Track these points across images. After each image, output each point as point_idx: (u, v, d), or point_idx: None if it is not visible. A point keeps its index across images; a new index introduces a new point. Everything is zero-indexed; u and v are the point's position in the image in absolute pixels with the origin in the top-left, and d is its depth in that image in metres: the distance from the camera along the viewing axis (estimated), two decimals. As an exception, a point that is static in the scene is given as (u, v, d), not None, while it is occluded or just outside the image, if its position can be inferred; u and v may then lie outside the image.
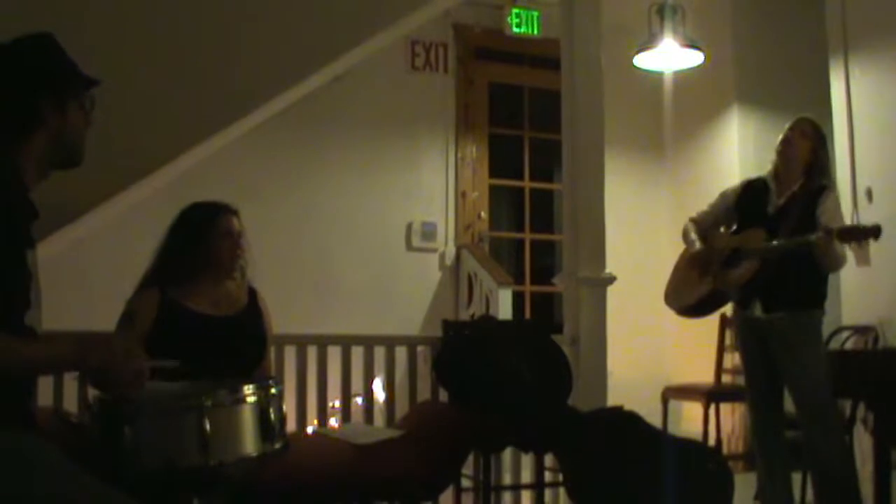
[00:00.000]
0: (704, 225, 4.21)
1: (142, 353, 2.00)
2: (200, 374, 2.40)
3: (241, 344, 3.09)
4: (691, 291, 4.11)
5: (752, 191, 4.11)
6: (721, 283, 3.97)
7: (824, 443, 3.79)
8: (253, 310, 3.18)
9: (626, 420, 3.44)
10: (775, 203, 3.98)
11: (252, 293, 3.21)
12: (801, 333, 3.86)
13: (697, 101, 6.59)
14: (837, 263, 3.83)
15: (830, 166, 4.01)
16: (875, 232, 3.59)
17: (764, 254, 3.85)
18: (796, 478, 4.15)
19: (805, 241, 3.69)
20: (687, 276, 4.16)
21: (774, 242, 3.83)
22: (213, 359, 2.82)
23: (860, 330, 4.86)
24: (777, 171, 4.04)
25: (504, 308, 5.79)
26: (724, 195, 4.23)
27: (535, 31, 6.73)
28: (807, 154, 3.95)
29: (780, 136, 4.03)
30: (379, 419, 4.37)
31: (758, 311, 3.94)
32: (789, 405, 3.98)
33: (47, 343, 1.95)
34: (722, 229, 4.21)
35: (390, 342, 4.17)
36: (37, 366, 1.92)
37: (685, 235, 4.24)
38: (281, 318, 3.35)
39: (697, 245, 4.13)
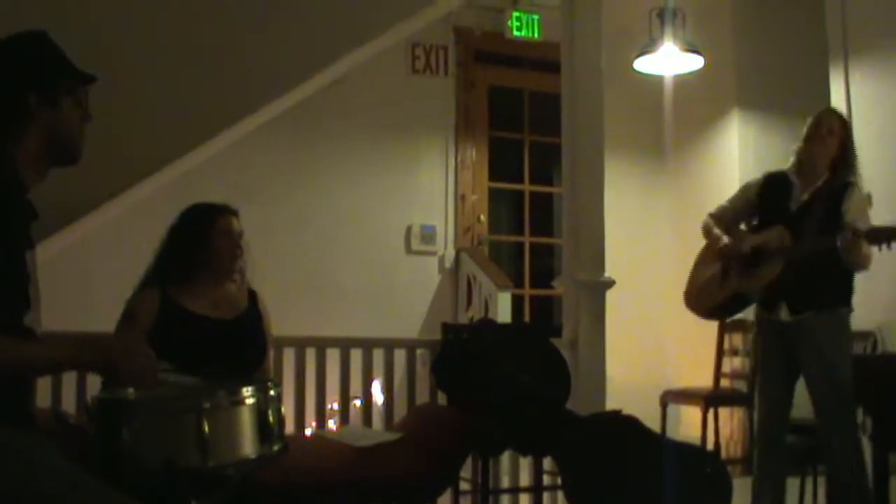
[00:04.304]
0: (725, 221, 4.10)
1: (146, 348, 2.01)
2: (199, 375, 2.39)
3: (241, 346, 3.09)
4: (714, 294, 4.02)
5: (774, 185, 3.99)
6: (744, 286, 3.89)
7: (841, 449, 3.72)
8: (253, 312, 3.18)
9: (624, 424, 3.44)
10: (798, 199, 3.87)
11: (252, 296, 3.21)
12: (828, 333, 3.76)
13: (697, 106, 6.59)
14: (865, 263, 3.70)
15: (856, 161, 3.88)
16: None
17: (788, 255, 3.75)
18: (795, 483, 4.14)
19: (831, 242, 3.60)
20: (709, 278, 4.06)
21: (796, 243, 3.74)
22: (212, 361, 2.82)
23: (859, 335, 4.86)
24: (801, 166, 3.92)
25: (503, 311, 5.79)
26: (745, 189, 4.12)
27: (536, 35, 6.73)
28: (834, 150, 3.85)
29: (806, 130, 3.90)
30: (377, 422, 4.36)
31: (784, 314, 3.83)
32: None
33: (44, 344, 1.95)
34: (742, 226, 4.11)
35: (389, 345, 4.17)
36: (34, 366, 1.92)
37: (708, 232, 4.12)
38: (280, 320, 3.35)
39: (724, 240, 3.99)
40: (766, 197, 4.01)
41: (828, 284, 3.77)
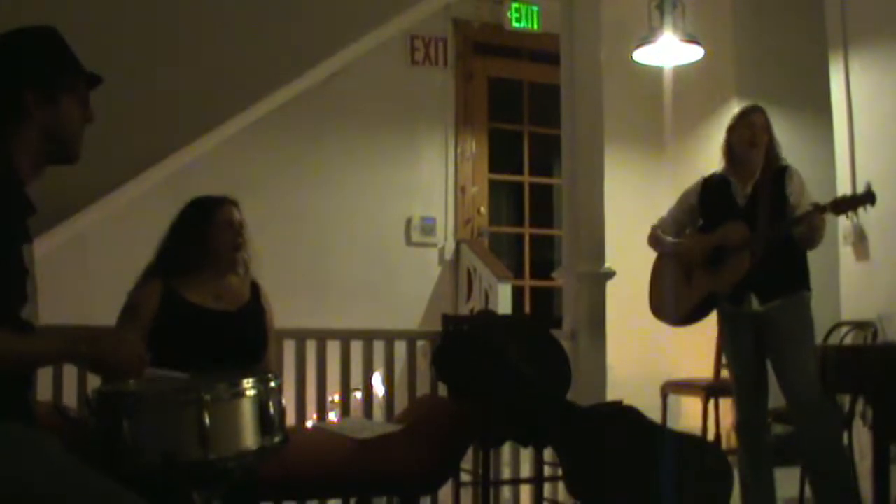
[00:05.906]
0: (670, 232, 4.14)
1: (139, 340, 2.01)
2: (200, 367, 2.40)
3: (242, 339, 3.09)
4: (686, 300, 4.00)
5: (713, 186, 4.04)
6: (716, 285, 3.88)
7: (819, 436, 3.73)
8: (255, 305, 3.18)
9: (625, 414, 3.45)
10: (743, 193, 3.93)
11: (256, 288, 3.21)
12: (797, 318, 3.81)
13: (697, 96, 6.58)
14: (821, 238, 3.80)
15: (780, 147, 4.00)
16: (870, 198, 3.57)
17: (753, 245, 3.77)
18: (784, 474, 4.14)
19: (804, 216, 3.67)
20: (675, 286, 4.05)
21: (755, 234, 3.77)
22: (213, 352, 2.83)
23: (859, 325, 4.87)
24: (735, 165, 3.98)
25: (503, 302, 5.79)
26: (685, 196, 4.16)
27: (535, 26, 6.73)
28: (767, 144, 3.94)
29: (740, 130, 3.97)
30: (378, 413, 4.37)
31: (754, 304, 3.85)
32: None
33: (38, 337, 1.95)
34: (687, 231, 4.14)
35: (390, 336, 4.17)
36: (29, 360, 1.91)
37: (659, 243, 4.16)
38: (280, 312, 3.35)
39: (680, 241, 4.03)
40: (707, 199, 4.05)
41: (791, 269, 3.84)
